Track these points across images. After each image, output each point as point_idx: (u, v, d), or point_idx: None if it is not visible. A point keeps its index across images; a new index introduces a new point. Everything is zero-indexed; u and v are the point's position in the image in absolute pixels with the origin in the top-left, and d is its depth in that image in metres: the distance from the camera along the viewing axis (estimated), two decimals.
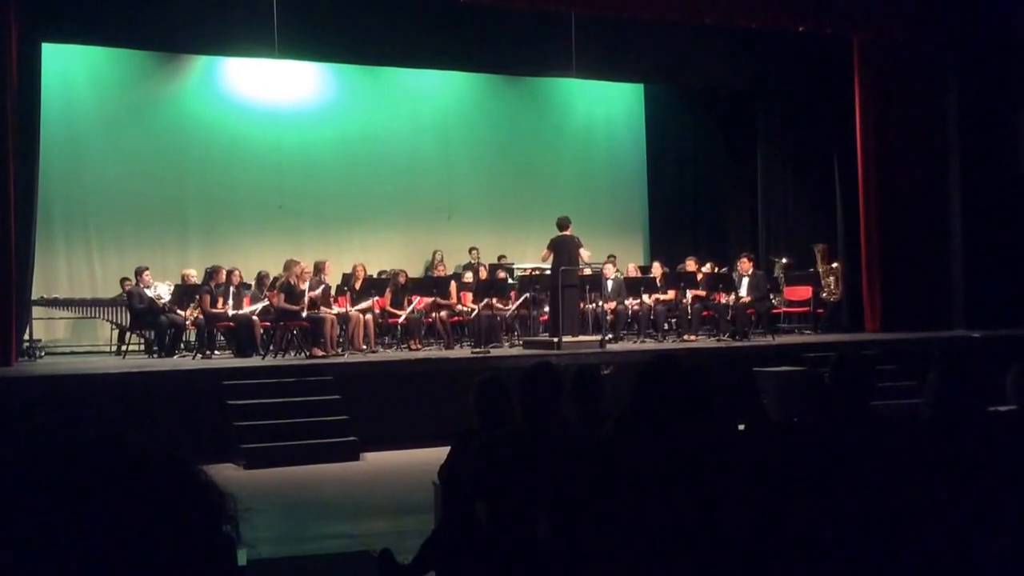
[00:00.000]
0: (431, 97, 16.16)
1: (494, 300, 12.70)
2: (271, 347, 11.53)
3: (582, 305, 12.52)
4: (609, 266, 13.71)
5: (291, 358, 11.24)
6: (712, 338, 13.17)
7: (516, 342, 12.74)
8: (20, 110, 11.12)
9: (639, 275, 14.30)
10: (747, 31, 13.80)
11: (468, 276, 13.86)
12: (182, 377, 10.06)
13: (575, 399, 4.21)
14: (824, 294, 14.76)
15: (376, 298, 12.66)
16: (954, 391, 3.49)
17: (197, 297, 12.08)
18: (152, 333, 12.60)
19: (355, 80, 15.73)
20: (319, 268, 11.88)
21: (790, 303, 14.75)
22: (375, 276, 13.31)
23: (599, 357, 10.57)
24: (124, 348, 12.58)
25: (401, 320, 12.80)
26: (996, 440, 3.45)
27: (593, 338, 11.82)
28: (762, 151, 15.94)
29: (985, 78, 14.15)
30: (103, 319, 13.33)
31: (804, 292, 14.58)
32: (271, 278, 12.15)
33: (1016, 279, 13.71)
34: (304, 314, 11.25)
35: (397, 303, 12.93)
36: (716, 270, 14.39)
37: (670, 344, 12.72)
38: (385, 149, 15.81)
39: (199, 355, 11.85)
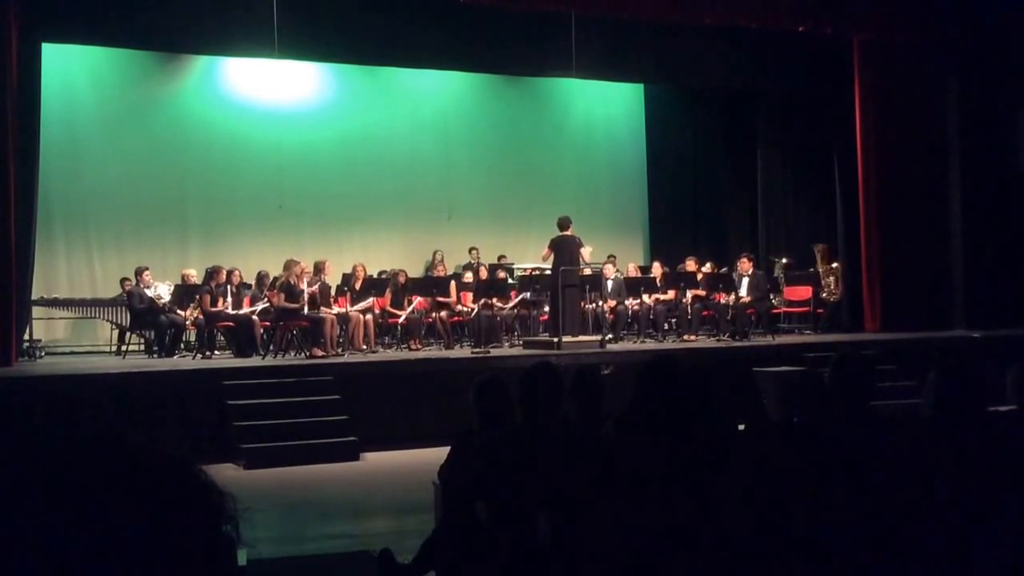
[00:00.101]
0: (431, 97, 16.16)
1: (494, 300, 12.70)
2: (271, 347, 11.53)
3: (583, 305, 12.52)
4: (609, 266, 13.71)
5: (291, 358, 11.23)
6: (712, 338, 13.17)
7: (516, 342, 12.74)
8: (20, 110, 11.11)
9: (639, 275, 14.30)
10: (747, 31, 13.80)
11: (468, 276, 13.86)
12: (182, 377, 10.06)
13: (575, 399, 4.21)
14: (824, 294, 14.76)
15: (374, 298, 12.66)
16: (954, 391, 3.49)
17: (197, 297, 12.08)
18: (152, 333, 12.60)
19: (355, 80, 15.73)
20: (319, 268, 11.89)
21: (790, 303, 14.75)
22: (375, 276, 13.31)
23: (599, 357, 10.57)
24: (124, 348, 12.58)
25: (401, 320, 12.80)
26: (996, 440, 3.45)
27: (593, 338, 11.82)
28: (762, 151, 15.94)
29: (985, 78, 14.15)
30: (103, 319, 13.33)
31: (804, 292, 14.58)
32: (271, 278, 12.15)
33: (1016, 279, 13.71)
34: (304, 311, 11.25)
35: (397, 303, 12.93)
36: (716, 270, 14.39)
37: (670, 344, 12.71)
38: (385, 149, 15.81)
39: (199, 355, 11.84)
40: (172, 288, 12.53)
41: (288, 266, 11.42)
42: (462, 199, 16.29)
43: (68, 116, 13.88)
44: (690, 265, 14.07)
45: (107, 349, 13.54)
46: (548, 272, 12.35)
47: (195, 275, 12.71)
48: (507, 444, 3.75)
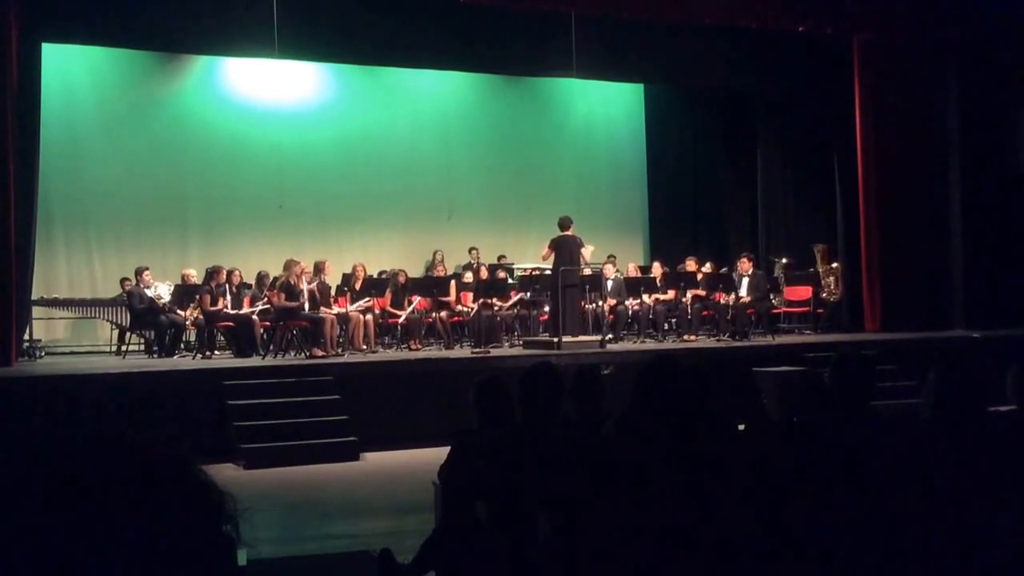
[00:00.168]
0: (431, 97, 16.16)
1: (494, 300, 12.70)
2: (271, 347, 11.53)
3: (583, 305, 12.52)
4: (609, 266, 13.71)
5: (291, 358, 11.23)
6: (712, 338, 13.17)
7: (516, 342, 12.74)
8: (20, 110, 11.11)
9: (639, 275, 14.30)
10: (747, 31, 13.80)
11: (468, 276, 13.86)
12: (182, 377, 10.06)
13: (575, 399, 4.21)
14: (824, 294, 14.76)
15: (370, 299, 12.66)
16: (954, 391, 3.49)
17: (197, 297, 12.08)
18: (152, 333, 12.60)
19: (355, 80, 15.73)
20: (319, 268, 11.90)
21: (790, 303, 14.75)
22: (375, 276, 13.31)
23: (599, 357, 10.57)
24: (124, 348, 12.58)
25: (401, 320, 12.81)
26: (996, 440, 3.45)
27: (593, 338, 11.82)
28: (762, 151, 15.94)
29: (985, 78, 14.15)
30: (103, 319, 13.33)
31: (804, 292, 14.58)
32: (271, 278, 12.15)
33: (1016, 279, 13.71)
34: (305, 307, 11.25)
35: (397, 303, 12.93)
36: (716, 270, 14.39)
37: (670, 344, 12.71)
38: (385, 149, 15.81)
39: (199, 355, 11.84)
40: (172, 288, 12.53)
41: (288, 266, 11.42)
42: (462, 199, 16.29)
43: (68, 116, 13.89)
44: (690, 265, 14.07)
45: (107, 349, 13.54)
46: (548, 272, 12.35)
47: (195, 275, 12.71)
48: (507, 444, 3.75)
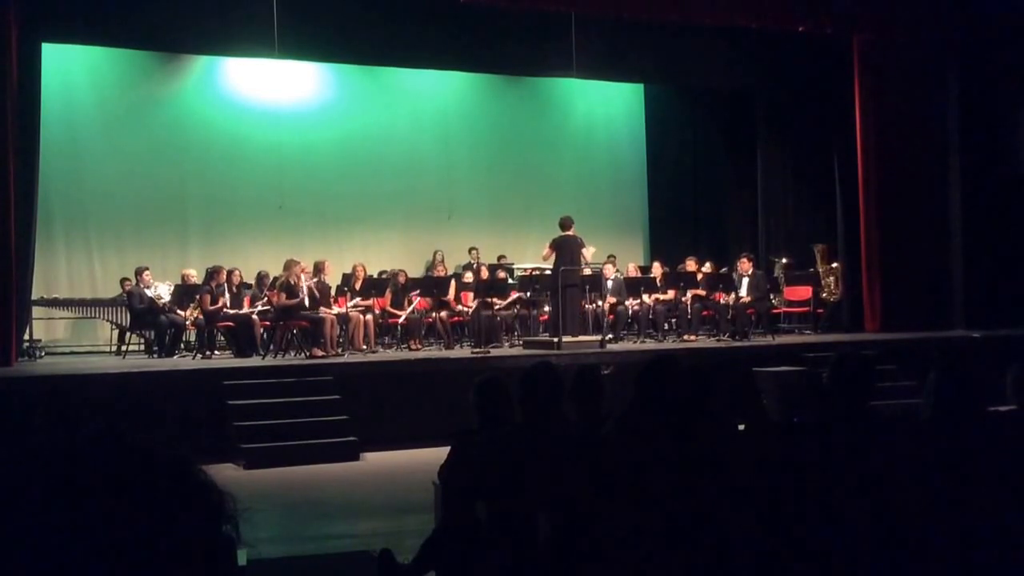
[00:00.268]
0: (431, 97, 16.16)
1: (493, 300, 12.70)
2: (271, 347, 11.54)
3: (584, 305, 12.52)
4: (609, 266, 13.71)
5: (291, 358, 11.23)
6: (712, 338, 13.17)
7: (516, 342, 12.74)
8: (20, 110, 11.11)
9: (639, 275, 14.31)
10: (747, 31, 13.80)
11: (468, 276, 13.86)
12: (182, 377, 10.06)
13: (575, 399, 4.21)
14: (824, 294, 14.76)
15: (374, 299, 12.67)
16: (954, 391, 3.49)
17: (197, 297, 12.08)
18: (152, 333, 12.61)
19: (355, 80, 15.74)
20: (319, 268, 11.90)
21: (790, 303, 14.74)
22: (375, 276, 13.32)
23: (599, 357, 10.57)
24: (124, 348, 12.58)
25: (401, 320, 12.81)
26: (996, 440, 3.45)
27: (593, 338, 11.82)
28: (762, 151, 15.93)
29: (985, 78, 14.15)
30: (103, 319, 13.33)
31: (804, 292, 14.57)
32: (271, 278, 12.16)
33: (1016, 279, 13.71)
34: (305, 303, 11.25)
35: (397, 303, 12.94)
36: (716, 270, 14.39)
37: (670, 344, 12.71)
38: (385, 149, 15.81)
39: (199, 355, 11.85)
40: (172, 288, 12.53)
41: (288, 266, 11.42)
42: (462, 199, 16.29)
43: (68, 116, 13.89)
44: (690, 265, 14.08)
45: (107, 349, 13.54)
46: (548, 272, 12.34)
47: (195, 275, 12.71)
48: (507, 444, 3.75)
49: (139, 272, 12.60)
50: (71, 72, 14.00)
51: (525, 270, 13.60)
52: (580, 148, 17.15)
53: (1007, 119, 14.27)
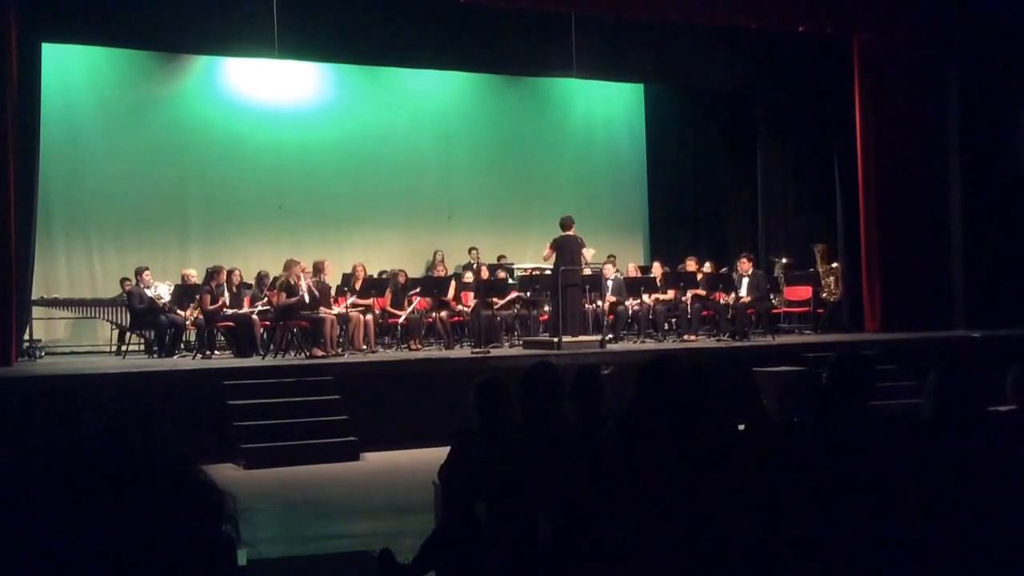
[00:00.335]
0: (431, 97, 16.16)
1: (493, 300, 12.70)
2: (271, 347, 11.54)
3: (584, 305, 12.52)
4: (609, 266, 13.71)
5: (291, 358, 11.24)
6: (712, 338, 13.17)
7: (516, 342, 12.74)
8: (20, 110, 11.11)
9: (639, 275, 14.31)
10: (747, 31, 13.81)
11: (468, 276, 13.87)
12: (182, 377, 10.06)
13: (575, 399, 4.21)
14: (824, 294, 14.76)
15: (363, 298, 12.68)
16: (954, 391, 3.49)
17: (197, 297, 12.08)
18: (152, 333, 12.61)
19: (355, 80, 15.74)
20: (318, 268, 11.90)
21: (790, 303, 14.74)
22: (375, 276, 13.32)
23: (599, 357, 10.57)
24: (124, 348, 12.58)
25: (401, 320, 12.81)
26: (996, 440, 3.45)
27: (593, 338, 11.82)
28: (762, 151, 15.93)
29: (985, 78, 14.15)
30: (103, 319, 13.33)
31: (804, 292, 14.57)
32: (271, 278, 12.16)
33: (1016, 279, 13.71)
34: (305, 299, 11.25)
35: (397, 303, 12.94)
36: (716, 270, 14.39)
37: (670, 344, 12.71)
38: (385, 149, 15.81)
39: (199, 355, 11.85)
40: (172, 288, 12.53)
41: (288, 266, 11.42)
42: (462, 199, 16.29)
43: (68, 116, 13.89)
44: (690, 265, 14.08)
45: (107, 349, 13.54)
46: (548, 272, 12.34)
47: (195, 275, 12.71)
48: (507, 444, 3.75)
49: (139, 272, 12.60)
50: (71, 72, 14.00)
51: (525, 270, 13.60)
52: (580, 148, 17.15)
53: (1007, 119, 14.28)
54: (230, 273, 12.28)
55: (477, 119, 16.48)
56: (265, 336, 12.02)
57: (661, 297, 13.68)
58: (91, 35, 12.51)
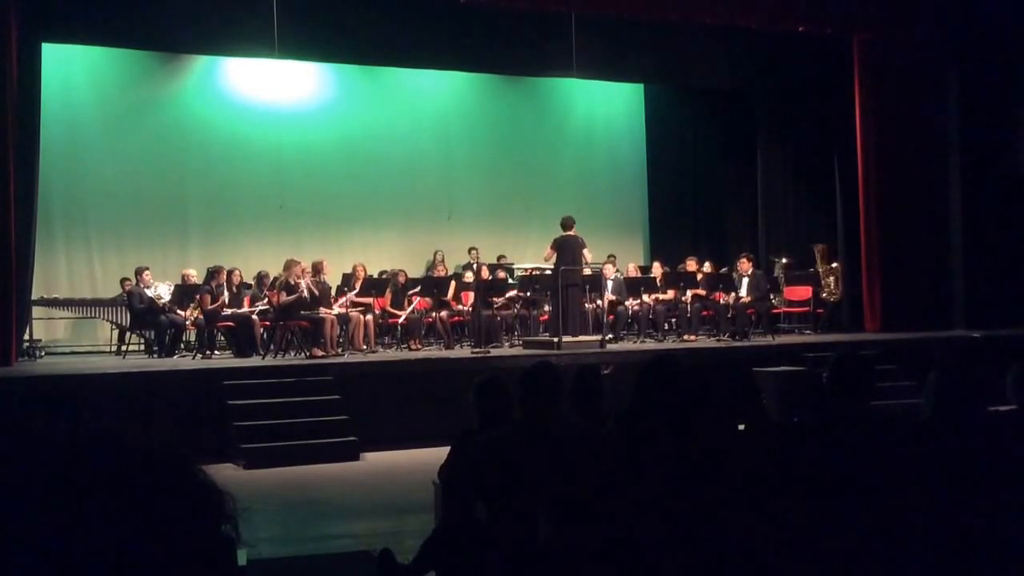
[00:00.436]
0: (431, 97, 16.16)
1: (493, 300, 12.70)
2: (271, 347, 11.54)
3: (584, 304, 12.52)
4: (609, 266, 13.71)
5: (291, 358, 11.24)
6: (712, 338, 13.17)
7: (516, 342, 12.73)
8: (20, 110, 11.12)
9: (639, 275, 14.31)
10: (747, 31, 13.81)
11: (468, 276, 13.87)
12: (182, 377, 10.06)
13: (575, 399, 4.21)
14: (824, 294, 14.76)
15: (361, 296, 12.69)
16: (954, 391, 3.49)
17: (197, 297, 12.08)
18: (152, 333, 12.61)
19: (355, 80, 15.73)
20: (317, 268, 11.90)
21: (790, 303, 14.74)
22: (375, 276, 13.32)
23: (599, 357, 10.57)
24: (124, 348, 12.58)
25: (401, 320, 12.81)
26: (996, 440, 3.45)
27: (593, 338, 11.82)
28: (762, 151, 15.94)
29: (985, 78, 14.15)
30: (103, 319, 13.33)
31: (804, 292, 14.57)
32: (271, 278, 12.16)
33: (1016, 279, 13.71)
34: (305, 294, 11.25)
35: (397, 303, 12.94)
36: (716, 270, 14.39)
37: (670, 344, 12.71)
38: (385, 149, 15.81)
39: (199, 355, 11.85)
40: (172, 288, 12.53)
41: (288, 266, 11.43)
42: (462, 199, 16.29)
43: (68, 116, 13.88)
44: (690, 265, 14.08)
45: (107, 349, 13.54)
46: (548, 272, 12.34)
47: (195, 275, 12.71)
48: (507, 444, 3.75)
49: (139, 272, 12.60)
50: (71, 72, 14.00)
51: (525, 270, 13.60)
52: (580, 148, 17.15)
53: (1007, 119, 14.28)
54: (230, 273, 12.28)
55: (477, 119, 16.48)
56: (265, 336, 12.02)
57: (661, 297, 13.68)
58: (91, 35, 12.51)
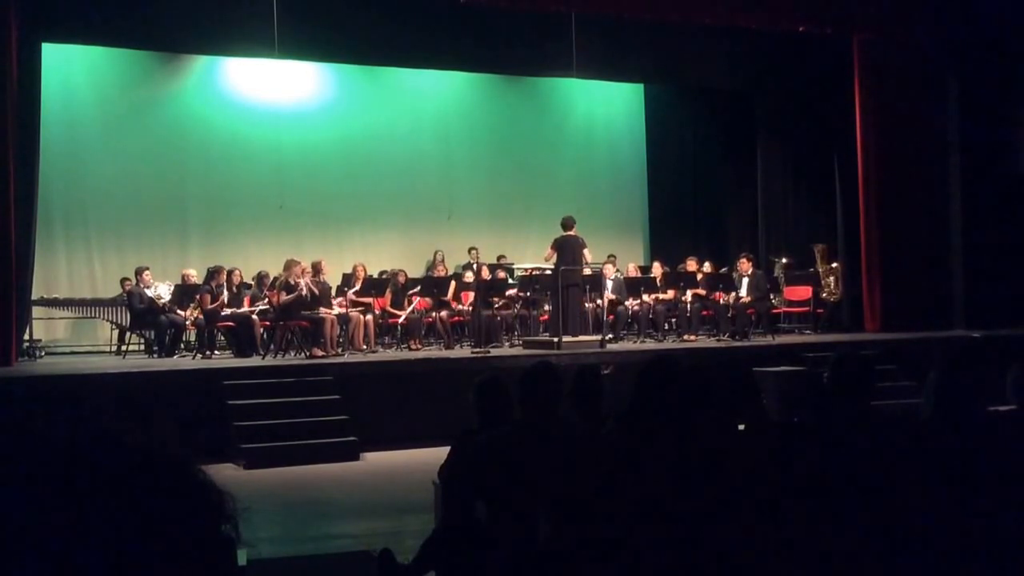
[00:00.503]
0: (431, 97, 16.16)
1: (493, 299, 12.70)
2: (271, 347, 11.54)
3: (585, 304, 12.52)
4: (609, 266, 13.71)
5: (291, 358, 11.24)
6: (712, 338, 13.17)
7: (516, 342, 12.73)
8: (20, 110, 11.12)
9: (639, 275, 14.31)
10: (747, 31, 13.81)
11: (468, 276, 13.87)
12: (182, 377, 10.06)
13: (575, 399, 4.21)
14: (824, 294, 14.76)
15: (359, 296, 12.70)
16: (954, 391, 3.49)
17: (197, 297, 12.08)
18: (152, 333, 12.61)
19: (355, 80, 15.73)
20: (316, 268, 11.90)
21: (790, 303, 14.74)
22: (375, 276, 13.32)
23: (599, 357, 10.57)
24: (124, 348, 12.59)
25: (401, 320, 12.81)
26: (996, 440, 3.45)
27: (593, 338, 11.82)
28: (762, 151, 15.94)
29: (985, 78, 14.15)
30: (103, 319, 13.33)
31: (804, 292, 14.57)
32: (271, 278, 12.16)
33: (1016, 279, 13.71)
34: (305, 292, 11.26)
35: (397, 303, 12.94)
36: (716, 270, 14.40)
37: (670, 344, 12.71)
38: (385, 149, 15.81)
39: (199, 355, 11.85)
40: (172, 288, 12.53)
41: (288, 266, 11.43)
42: (462, 199, 16.30)
43: (68, 116, 13.89)
44: (690, 265, 14.08)
45: (107, 349, 13.54)
46: (548, 272, 12.34)
47: (195, 275, 12.71)
48: (507, 444, 3.75)
49: (139, 272, 12.60)
50: (71, 72, 14.00)
51: (525, 270, 13.60)
52: (580, 148, 17.15)
53: (1007, 119, 14.28)
54: (230, 273, 12.28)
55: (477, 119, 16.48)
56: (265, 336, 12.02)
57: (661, 297, 13.68)
58: (91, 35, 12.51)
